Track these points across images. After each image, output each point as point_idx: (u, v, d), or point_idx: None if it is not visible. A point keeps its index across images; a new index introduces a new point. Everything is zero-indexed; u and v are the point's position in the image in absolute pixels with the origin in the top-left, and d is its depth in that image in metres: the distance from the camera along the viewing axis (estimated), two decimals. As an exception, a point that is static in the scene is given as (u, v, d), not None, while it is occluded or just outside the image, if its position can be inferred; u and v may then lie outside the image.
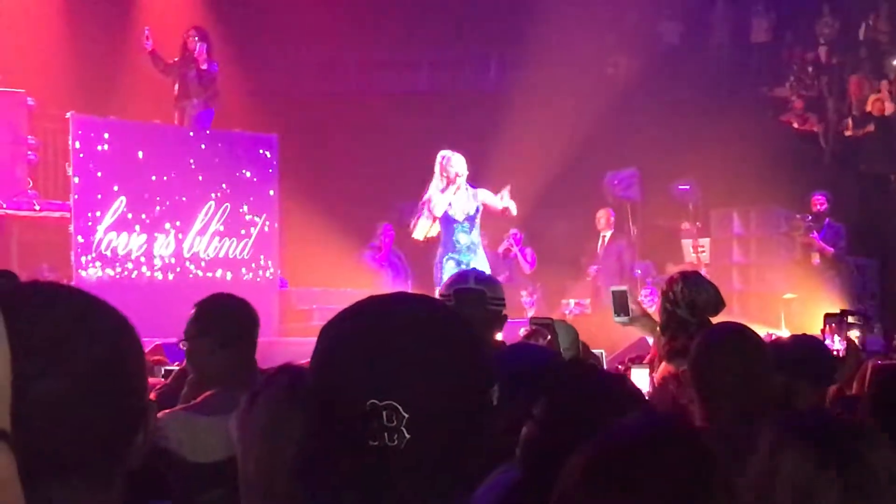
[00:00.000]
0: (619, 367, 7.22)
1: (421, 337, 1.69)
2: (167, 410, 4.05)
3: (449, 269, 12.03)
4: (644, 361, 6.68)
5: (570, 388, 2.77)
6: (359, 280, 16.15)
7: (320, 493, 1.68)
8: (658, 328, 6.00)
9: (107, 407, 1.52)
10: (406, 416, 1.61)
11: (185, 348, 4.39)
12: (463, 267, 11.83)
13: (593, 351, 6.79)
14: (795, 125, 20.00)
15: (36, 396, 1.44)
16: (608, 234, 16.66)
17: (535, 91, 17.28)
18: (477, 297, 5.06)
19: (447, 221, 12.67)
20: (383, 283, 15.89)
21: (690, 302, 5.77)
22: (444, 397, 1.65)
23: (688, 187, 17.74)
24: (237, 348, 4.29)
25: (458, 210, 12.63)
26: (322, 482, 1.67)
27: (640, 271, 16.39)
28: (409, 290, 16.23)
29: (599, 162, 17.68)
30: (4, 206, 12.66)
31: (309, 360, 1.77)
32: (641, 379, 5.98)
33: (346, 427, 1.63)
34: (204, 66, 14.29)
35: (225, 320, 4.37)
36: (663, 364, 5.67)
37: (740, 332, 3.89)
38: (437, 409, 1.64)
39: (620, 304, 6.50)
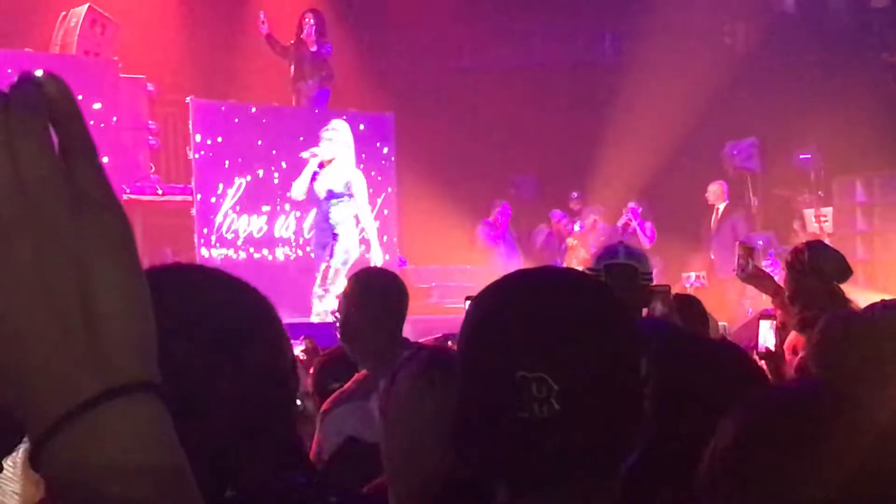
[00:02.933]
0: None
1: (571, 309, 1.69)
2: (337, 406, 4.11)
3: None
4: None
5: (680, 358, 2.71)
6: (475, 257, 16.19)
7: (472, 464, 1.69)
8: (786, 295, 5.86)
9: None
10: (556, 388, 1.60)
11: (336, 322, 4.41)
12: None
13: (719, 323, 6.70)
14: (918, 90, 19.50)
15: None
16: (722, 206, 16.44)
17: (651, 62, 17.06)
18: (628, 272, 5.02)
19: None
20: (497, 260, 15.92)
21: (818, 270, 5.65)
22: (593, 369, 1.64)
23: (809, 156, 17.41)
24: (387, 323, 4.29)
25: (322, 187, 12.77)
26: (473, 453, 1.68)
27: (761, 242, 16.14)
28: (520, 266, 16.20)
29: (718, 132, 17.42)
30: (128, 191, 12.88)
31: (433, 337, 1.79)
32: (767, 331, 5.74)
33: (496, 398, 1.63)
34: (313, 48, 14.40)
35: (377, 295, 4.35)
36: (794, 334, 5.56)
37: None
38: (586, 381, 1.63)
39: (745, 259, 6.39)
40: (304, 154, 12.88)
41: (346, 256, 12.46)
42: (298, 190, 12.99)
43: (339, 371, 4.56)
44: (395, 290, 4.41)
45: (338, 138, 12.95)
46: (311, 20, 14.51)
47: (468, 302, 5.33)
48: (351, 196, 12.70)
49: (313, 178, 12.72)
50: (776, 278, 6.53)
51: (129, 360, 0.81)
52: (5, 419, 0.81)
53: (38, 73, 0.83)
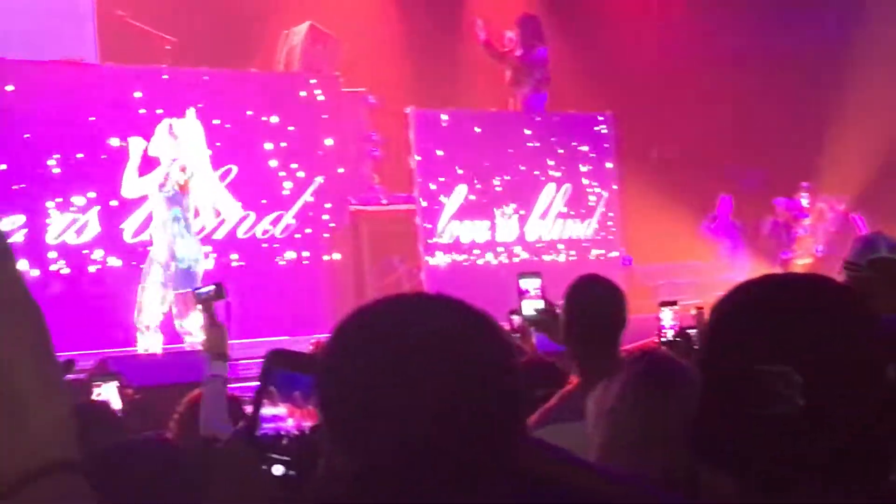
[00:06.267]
0: None
1: (812, 305, 1.66)
2: (544, 424, 3.99)
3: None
4: None
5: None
6: (701, 253, 15.93)
7: (713, 462, 1.66)
8: None
9: None
10: (800, 381, 1.56)
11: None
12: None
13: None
14: None
15: None
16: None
17: (878, 46, 16.48)
18: (894, 267, 4.80)
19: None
20: (721, 254, 15.68)
21: None
22: (838, 366, 1.59)
23: None
24: (602, 334, 4.17)
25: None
26: (714, 452, 1.66)
27: None
28: (746, 261, 15.90)
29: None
30: (354, 201, 13.15)
31: (643, 342, 1.79)
32: None
33: (737, 395, 1.61)
34: (518, 53, 14.44)
35: (592, 304, 4.23)
36: None
37: None
38: (831, 377, 1.58)
39: None
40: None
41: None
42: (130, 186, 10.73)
43: (544, 377, 4.45)
44: (610, 299, 4.30)
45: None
46: (522, 25, 14.56)
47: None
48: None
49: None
50: None
51: (49, 443, 0.87)
52: None
53: None
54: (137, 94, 11.61)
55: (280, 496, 1.78)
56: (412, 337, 1.48)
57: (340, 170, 12.88)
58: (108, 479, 2.57)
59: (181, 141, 10.73)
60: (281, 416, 1.79)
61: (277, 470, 1.77)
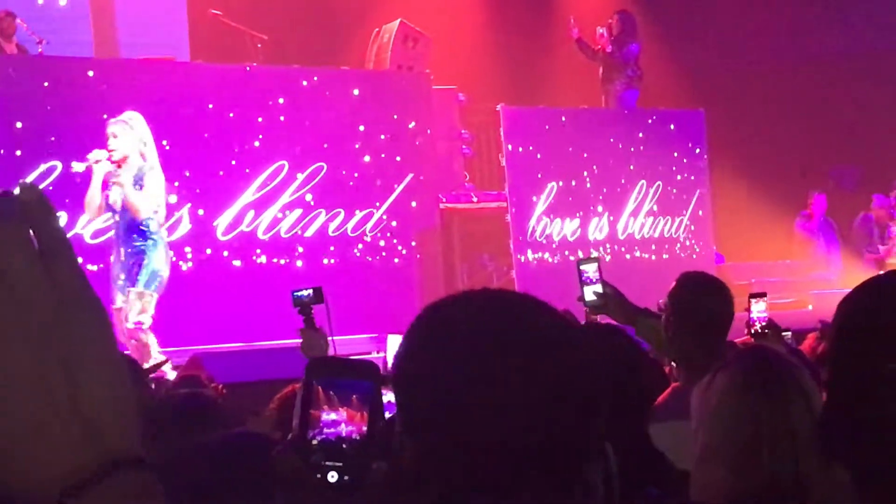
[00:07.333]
0: None
1: None
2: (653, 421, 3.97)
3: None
4: None
5: None
6: (794, 251, 15.74)
7: (843, 461, 1.63)
8: None
9: None
10: None
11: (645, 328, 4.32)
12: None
13: None
14: None
15: None
16: None
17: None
18: None
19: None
20: (816, 253, 15.48)
21: None
22: None
23: None
24: (706, 332, 4.17)
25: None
26: (843, 450, 1.63)
27: None
28: (840, 259, 15.68)
29: None
30: (445, 200, 13.15)
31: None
32: None
33: (865, 393, 1.58)
34: (610, 49, 14.39)
35: (696, 306, 4.23)
36: None
37: None
38: None
39: None
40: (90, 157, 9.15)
41: None
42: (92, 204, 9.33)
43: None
44: (719, 296, 4.27)
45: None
46: (615, 22, 14.52)
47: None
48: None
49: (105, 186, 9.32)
50: None
51: (117, 439, 0.90)
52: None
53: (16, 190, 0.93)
54: (226, 93, 11.70)
55: (328, 500, 1.79)
56: (497, 333, 1.44)
57: (431, 167, 12.88)
58: (216, 471, 2.59)
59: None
60: (334, 421, 1.79)
61: (332, 476, 1.77)
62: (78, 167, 9.29)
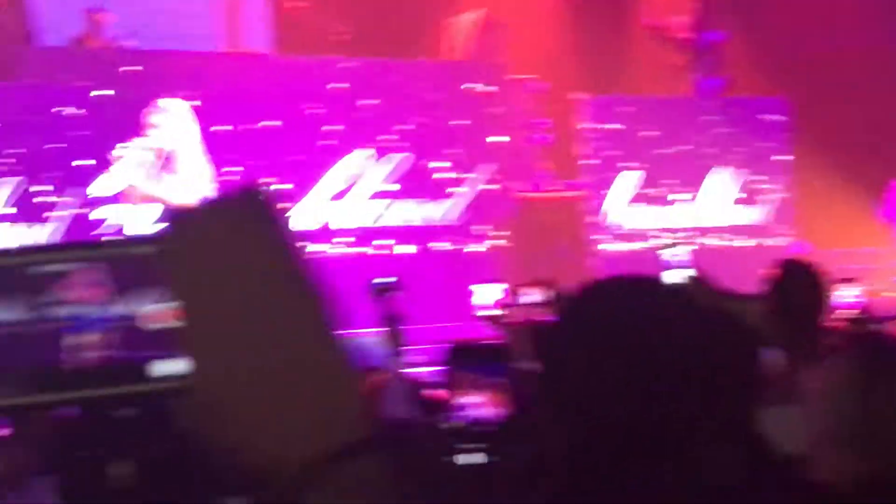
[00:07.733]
0: None
1: None
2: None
3: None
4: None
5: None
6: (877, 239, 15.56)
7: None
8: None
9: None
10: None
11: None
12: None
13: None
14: None
15: None
16: None
17: None
18: None
19: None
20: (892, 239, 15.32)
21: None
22: None
23: None
24: (803, 315, 4.19)
25: None
26: None
27: None
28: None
29: None
30: (522, 188, 13.17)
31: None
32: None
33: None
34: (690, 37, 14.31)
35: (802, 292, 4.26)
36: None
37: None
38: None
39: None
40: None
41: None
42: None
43: None
44: (818, 283, 4.28)
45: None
46: (694, 10, 14.43)
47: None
48: None
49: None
50: None
51: (358, 422, 0.93)
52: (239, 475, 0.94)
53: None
54: (312, 85, 11.82)
55: (470, 483, 1.77)
56: (645, 318, 1.49)
57: (508, 156, 12.90)
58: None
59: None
60: (475, 404, 1.79)
61: (474, 458, 1.76)
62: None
